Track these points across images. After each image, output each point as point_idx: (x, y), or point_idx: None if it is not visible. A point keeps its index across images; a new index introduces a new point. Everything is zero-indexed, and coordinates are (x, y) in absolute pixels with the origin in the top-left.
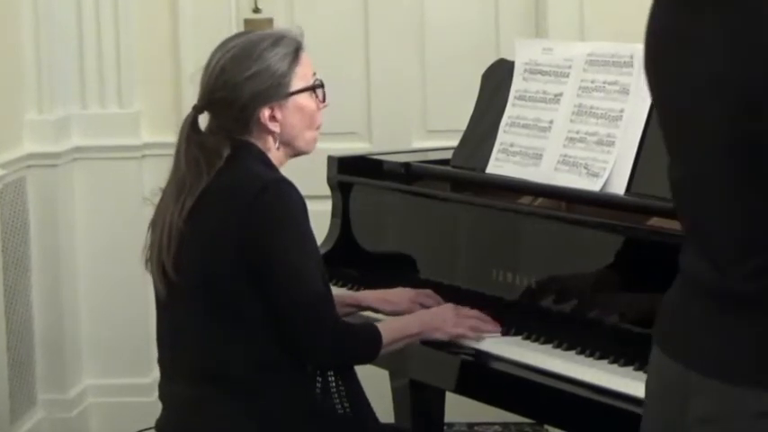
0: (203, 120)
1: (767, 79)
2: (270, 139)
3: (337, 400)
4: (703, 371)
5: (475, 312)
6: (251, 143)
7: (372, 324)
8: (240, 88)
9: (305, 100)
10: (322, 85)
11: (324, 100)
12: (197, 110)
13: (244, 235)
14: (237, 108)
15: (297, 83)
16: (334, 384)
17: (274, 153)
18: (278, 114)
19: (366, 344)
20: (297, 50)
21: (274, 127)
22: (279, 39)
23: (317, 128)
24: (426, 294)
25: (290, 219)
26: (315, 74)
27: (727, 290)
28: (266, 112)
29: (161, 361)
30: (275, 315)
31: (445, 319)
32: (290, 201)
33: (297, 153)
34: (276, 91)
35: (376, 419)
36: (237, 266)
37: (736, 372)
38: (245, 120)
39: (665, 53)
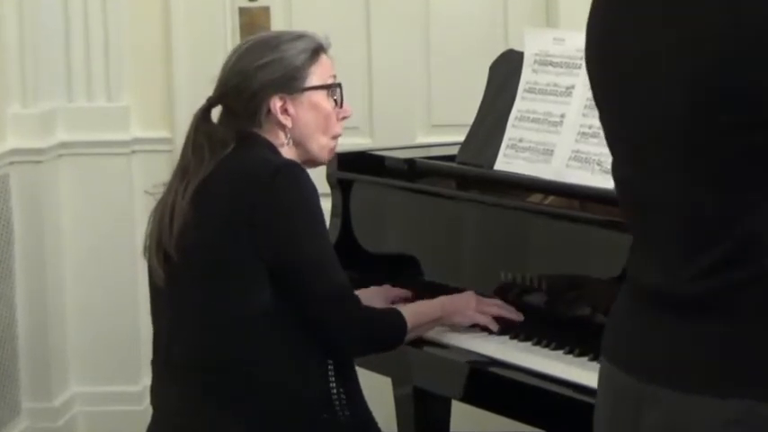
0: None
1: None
2: (281, 134)
3: (338, 407)
4: (657, 380)
5: (497, 301)
6: (260, 135)
7: (395, 309)
8: (252, 75)
9: (320, 99)
10: (339, 86)
11: (342, 106)
12: (210, 101)
13: (256, 220)
14: (247, 96)
15: (313, 80)
16: (335, 391)
17: (285, 150)
18: (290, 108)
19: (393, 329)
20: (316, 50)
21: (285, 120)
22: (300, 36)
23: (334, 137)
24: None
25: (304, 204)
26: (335, 76)
27: (675, 294)
28: (277, 103)
29: (155, 362)
30: (296, 307)
31: (467, 304)
32: (305, 185)
33: (309, 158)
34: (289, 83)
35: (378, 429)
36: (246, 252)
37: (693, 379)
38: (255, 108)
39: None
